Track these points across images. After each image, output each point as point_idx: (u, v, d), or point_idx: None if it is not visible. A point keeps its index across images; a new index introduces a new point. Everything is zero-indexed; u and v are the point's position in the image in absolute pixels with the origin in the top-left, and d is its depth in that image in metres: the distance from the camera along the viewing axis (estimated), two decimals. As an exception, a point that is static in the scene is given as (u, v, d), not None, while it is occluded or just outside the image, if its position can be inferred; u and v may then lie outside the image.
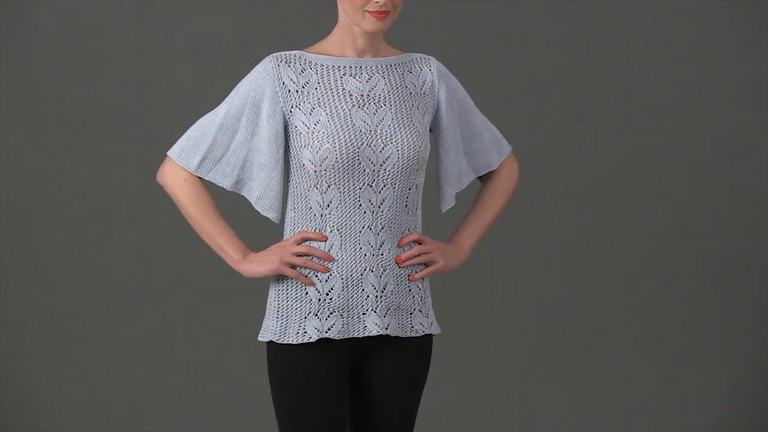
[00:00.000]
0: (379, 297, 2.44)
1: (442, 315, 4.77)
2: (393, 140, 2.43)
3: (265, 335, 2.46)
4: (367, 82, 2.46)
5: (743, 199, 4.85)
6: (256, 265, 2.50)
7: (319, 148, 2.39)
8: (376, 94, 2.47)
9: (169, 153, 2.66)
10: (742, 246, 4.85)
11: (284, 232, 2.51)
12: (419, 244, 2.52)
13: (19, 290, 4.78)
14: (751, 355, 4.76)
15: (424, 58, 2.59)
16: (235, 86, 2.53)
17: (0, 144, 4.79)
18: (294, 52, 2.48)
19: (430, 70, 2.57)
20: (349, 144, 2.39)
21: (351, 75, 2.46)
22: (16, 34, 4.76)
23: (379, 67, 2.50)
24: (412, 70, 2.55)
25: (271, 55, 2.46)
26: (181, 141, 2.66)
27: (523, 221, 4.87)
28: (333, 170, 2.40)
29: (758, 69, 4.83)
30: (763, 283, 4.83)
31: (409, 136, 2.45)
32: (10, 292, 4.77)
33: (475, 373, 4.71)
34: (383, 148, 2.42)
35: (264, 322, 2.48)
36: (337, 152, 2.38)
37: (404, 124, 2.46)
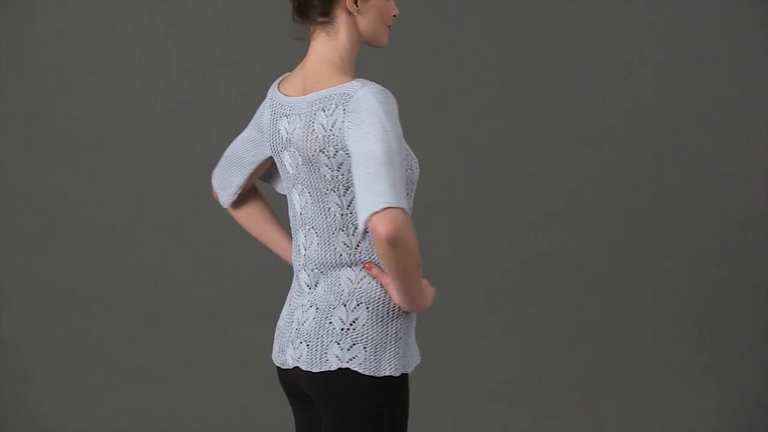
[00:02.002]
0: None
1: (442, 340, 4.79)
2: None
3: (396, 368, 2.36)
4: None
5: (743, 221, 4.85)
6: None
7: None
8: None
9: (394, 203, 2.17)
10: (742, 269, 4.85)
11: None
12: None
13: (19, 313, 4.77)
14: (751, 379, 4.75)
15: None
16: None
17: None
18: None
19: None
20: None
21: None
22: (15, 52, 4.76)
23: None
24: None
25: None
26: (399, 195, 2.20)
27: (521, 244, 4.87)
28: None
29: (759, 91, 4.83)
30: (764, 305, 4.82)
31: None
32: (9, 315, 4.76)
33: (474, 397, 4.69)
34: None
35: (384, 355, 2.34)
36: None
37: None
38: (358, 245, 2.34)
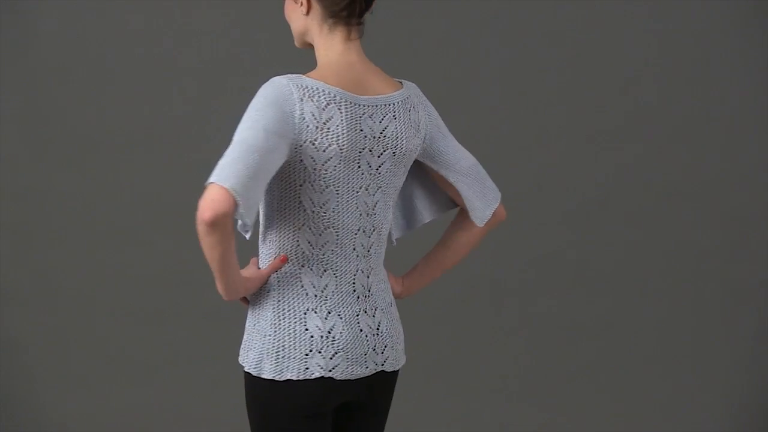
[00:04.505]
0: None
1: (446, 338, 4.79)
2: None
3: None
4: None
5: (748, 221, 4.86)
6: None
7: None
8: None
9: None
10: (745, 268, 4.86)
11: None
12: None
13: (20, 312, 4.78)
14: (755, 378, 4.75)
15: None
16: None
17: (2, 163, 4.80)
18: None
19: None
20: None
21: None
22: (20, 51, 4.77)
23: None
24: None
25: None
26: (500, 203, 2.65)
27: (525, 244, 4.88)
28: None
29: (761, 93, 4.84)
30: (767, 304, 4.83)
31: None
32: (11, 314, 4.78)
33: (479, 396, 4.70)
34: None
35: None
36: None
37: None
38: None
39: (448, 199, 2.61)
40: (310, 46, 2.43)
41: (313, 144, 2.25)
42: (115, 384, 4.67)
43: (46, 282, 4.82)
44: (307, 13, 2.37)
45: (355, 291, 2.38)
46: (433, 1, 4.78)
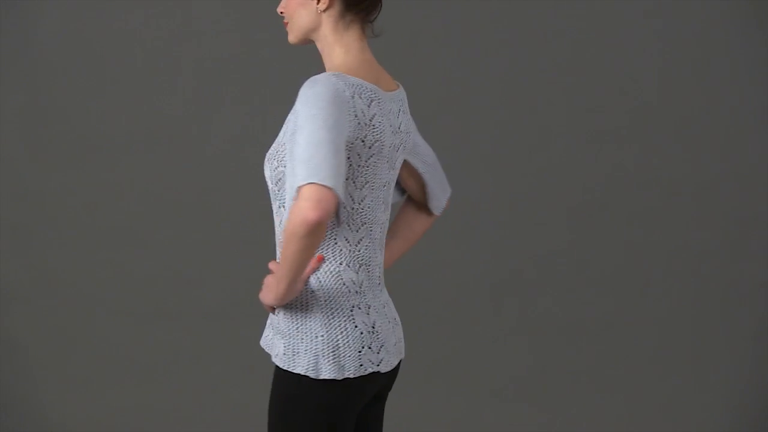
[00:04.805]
0: None
1: (447, 339, 4.79)
2: None
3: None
4: None
5: (748, 221, 4.85)
6: None
7: None
8: None
9: None
10: (746, 268, 4.85)
11: None
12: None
13: (22, 312, 4.78)
14: (756, 378, 4.75)
15: None
16: None
17: (3, 163, 4.80)
18: None
19: None
20: None
21: None
22: (21, 51, 4.77)
23: None
24: None
25: None
26: None
27: (526, 244, 4.87)
28: None
29: (761, 93, 4.83)
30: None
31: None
32: (12, 314, 4.77)
33: (480, 397, 4.70)
34: None
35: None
36: None
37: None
38: None
39: (398, 190, 2.65)
40: (308, 43, 2.41)
41: (363, 141, 2.26)
42: (116, 384, 4.67)
43: (46, 282, 4.82)
44: (326, 9, 2.34)
45: (379, 284, 2.41)
46: (434, 1, 4.78)
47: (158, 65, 4.81)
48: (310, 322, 2.31)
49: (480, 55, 4.84)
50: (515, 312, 4.87)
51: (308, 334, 2.30)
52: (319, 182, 2.08)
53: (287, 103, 4.50)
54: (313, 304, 2.31)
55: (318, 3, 2.34)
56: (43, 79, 4.79)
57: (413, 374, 3.79)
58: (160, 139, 4.82)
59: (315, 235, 2.10)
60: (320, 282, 2.31)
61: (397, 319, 2.46)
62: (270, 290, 2.29)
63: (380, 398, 2.51)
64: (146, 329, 4.78)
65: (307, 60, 3.06)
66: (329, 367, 2.29)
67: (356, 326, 2.32)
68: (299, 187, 2.09)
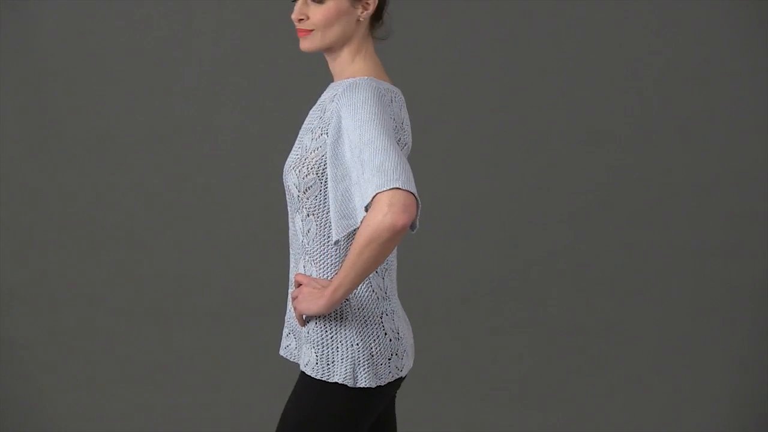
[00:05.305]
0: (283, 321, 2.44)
1: (447, 340, 4.79)
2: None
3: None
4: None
5: (748, 220, 4.85)
6: None
7: None
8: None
9: None
10: (746, 268, 4.85)
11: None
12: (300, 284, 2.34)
13: (22, 312, 4.78)
14: (754, 378, 4.75)
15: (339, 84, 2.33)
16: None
17: (3, 163, 4.80)
18: None
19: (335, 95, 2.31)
20: None
21: None
22: (22, 51, 4.77)
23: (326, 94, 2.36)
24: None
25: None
26: None
27: (527, 244, 4.87)
28: None
29: (762, 93, 4.83)
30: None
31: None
32: (13, 314, 4.78)
33: (481, 398, 4.70)
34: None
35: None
36: None
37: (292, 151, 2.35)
38: None
39: None
40: (325, 50, 2.36)
41: (397, 143, 2.26)
42: (116, 384, 4.67)
43: (46, 282, 4.82)
44: (366, 16, 2.34)
45: (396, 288, 2.41)
46: (434, 1, 4.78)
47: (158, 65, 4.81)
48: (345, 330, 2.30)
49: (480, 55, 4.83)
50: (516, 312, 4.87)
51: (343, 342, 2.29)
52: (402, 187, 2.07)
53: (287, 103, 4.51)
54: (347, 312, 2.30)
55: (362, 12, 2.33)
56: (43, 79, 4.79)
57: (413, 374, 3.79)
58: (160, 139, 4.82)
59: (396, 240, 2.10)
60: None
61: (408, 320, 2.46)
62: (315, 299, 2.24)
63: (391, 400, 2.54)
64: (146, 329, 4.78)
65: (307, 60, 3.06)
66: (366, 375, 2.28)
67: (386, 333, 2.32)
68: (378, 194, 2.08)
